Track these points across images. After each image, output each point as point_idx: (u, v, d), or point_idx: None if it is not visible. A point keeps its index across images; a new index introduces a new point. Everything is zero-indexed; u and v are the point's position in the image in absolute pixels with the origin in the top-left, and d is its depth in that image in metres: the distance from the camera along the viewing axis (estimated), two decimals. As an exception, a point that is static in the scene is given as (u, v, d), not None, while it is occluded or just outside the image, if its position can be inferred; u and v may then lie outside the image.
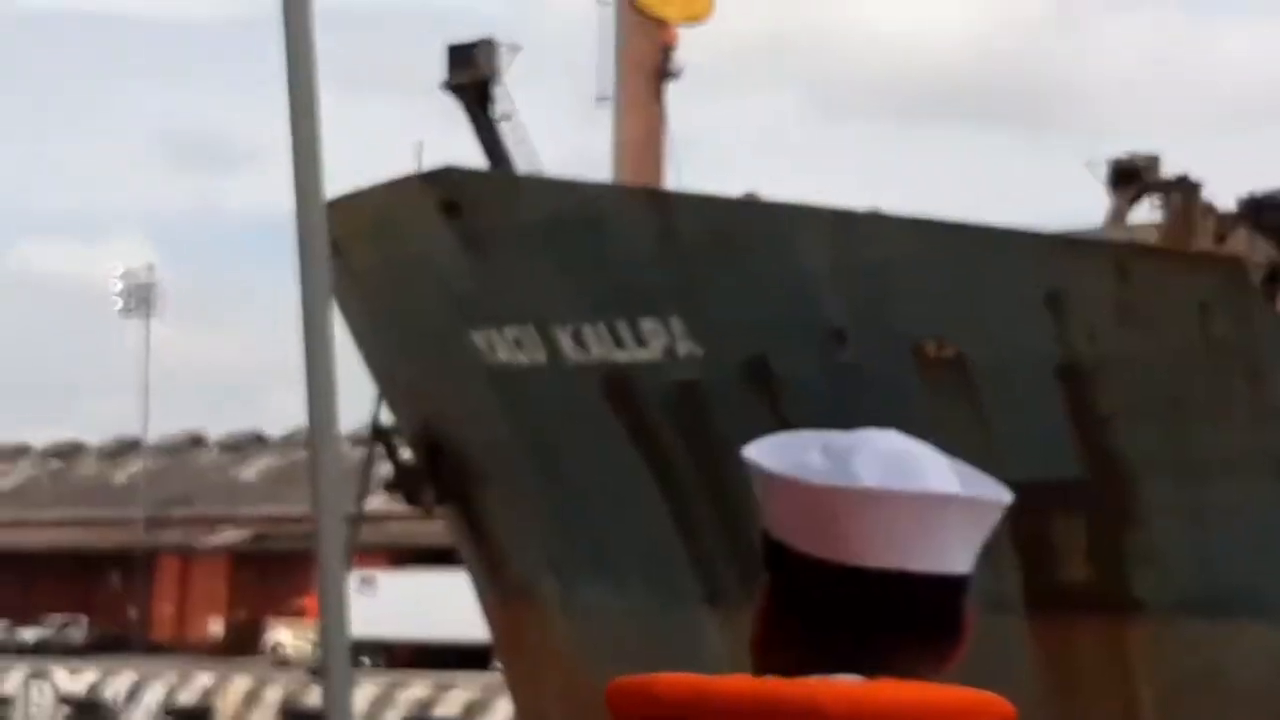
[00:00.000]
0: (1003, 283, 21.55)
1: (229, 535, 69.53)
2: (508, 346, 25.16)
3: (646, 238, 23.50)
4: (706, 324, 23.29)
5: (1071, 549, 21.83)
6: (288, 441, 72.76)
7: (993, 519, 1.85)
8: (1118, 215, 25.15)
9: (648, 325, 23.74)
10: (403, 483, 27.81)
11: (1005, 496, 1.84)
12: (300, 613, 59.51)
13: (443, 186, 24.85)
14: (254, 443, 77.83)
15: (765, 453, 1.85)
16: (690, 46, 30.52)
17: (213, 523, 70.41)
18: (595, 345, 24.26)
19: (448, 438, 26.89)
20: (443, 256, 25.28)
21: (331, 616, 5.28)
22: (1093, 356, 21.36)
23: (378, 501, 40.55)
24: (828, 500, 1.80)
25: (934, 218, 22.30)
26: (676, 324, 23.51)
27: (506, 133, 26.57)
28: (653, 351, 23.83)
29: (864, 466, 1.81)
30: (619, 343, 24.05)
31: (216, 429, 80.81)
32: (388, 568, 56.60)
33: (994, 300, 21.64)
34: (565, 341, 24.53)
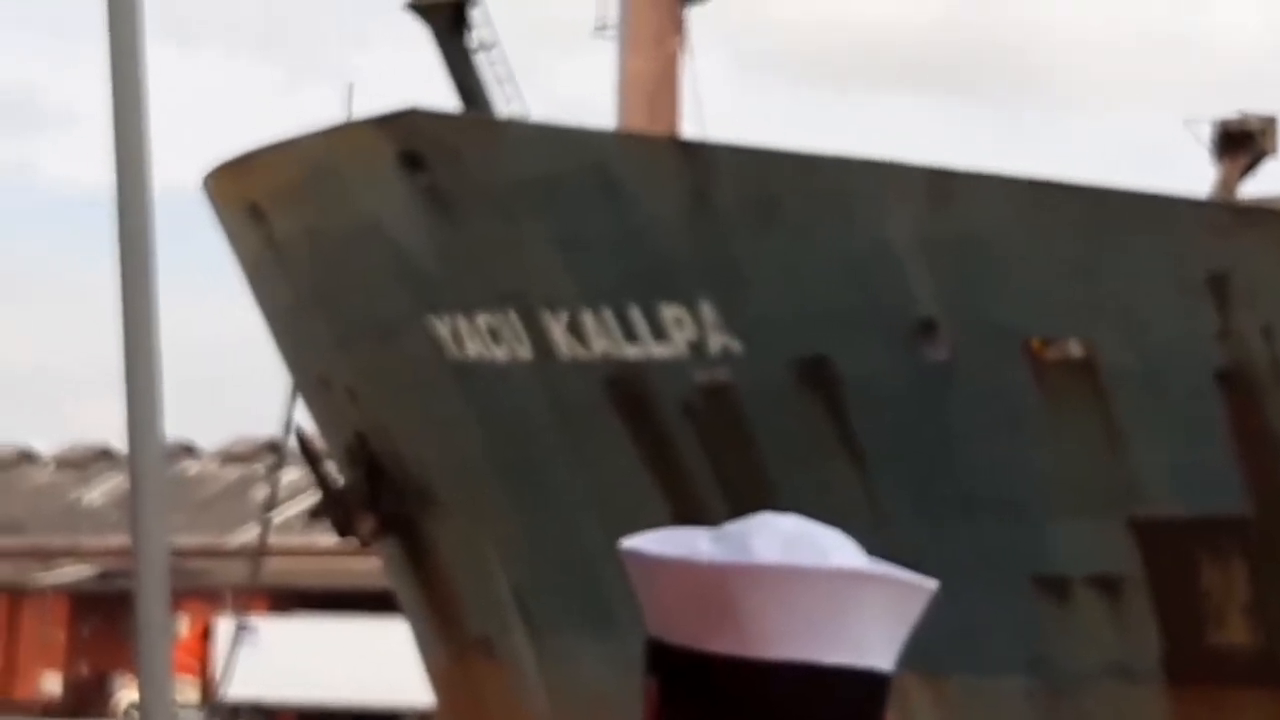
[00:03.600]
0: (1148, 262, 17.67)
1: (69, 571, 62.48)
2: (480, 338, 20.25)
3: (671, 201, 18.92)
4: (747, 311, 18.80)
5: (1229, 604, 18.08)
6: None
7: (916, 607, 1.66)
8: (1225, 187, 21.44)
9: (669, 312, 19.07)
10: (332, 509, 22.45)
11: (929, 583, 1.66)
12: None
13: (403, 132, 19.90)
14: (99, 459, 70.12)
15: (647, 543, 1.68)
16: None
17: (49, 556, 63.08)
18: (598, 337, 19.48)
19: (392, 454, 21.74)
20: (397, 221, 20.32)
21: (154, 674, 4.45)
22: (1267, 357, 17.57)
23: (254, 533, 34.95)
24: (723, 582, 1.63)
25: (1055, 179, 17.96)
26: (707, 311, 18.90)
27: (485, 67, 21.40)
28: (675, 346, 19.14)
29: (763, 546, 1.65)
30: (630, 334, 19.31)
31: (51, 441, 73.80)
32: (270, 613, 49.90)
33: (1135, 284, 17.81)
34: (557, 332, 19.70)
